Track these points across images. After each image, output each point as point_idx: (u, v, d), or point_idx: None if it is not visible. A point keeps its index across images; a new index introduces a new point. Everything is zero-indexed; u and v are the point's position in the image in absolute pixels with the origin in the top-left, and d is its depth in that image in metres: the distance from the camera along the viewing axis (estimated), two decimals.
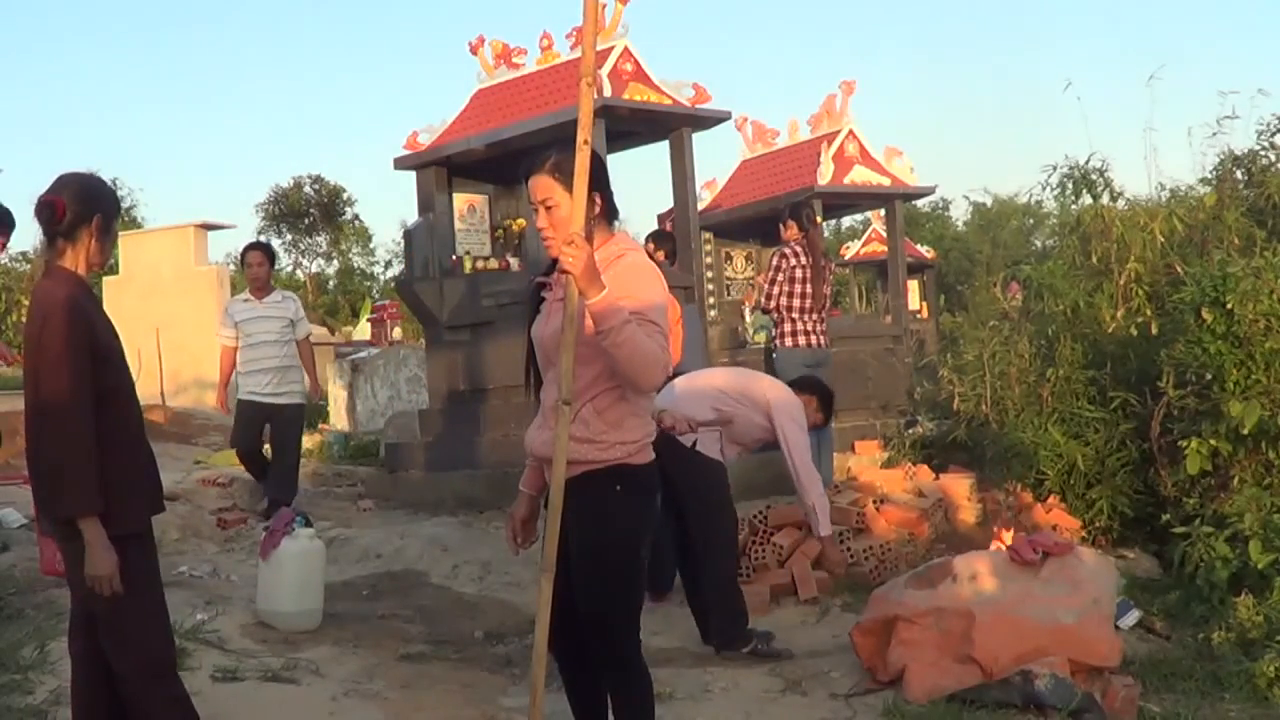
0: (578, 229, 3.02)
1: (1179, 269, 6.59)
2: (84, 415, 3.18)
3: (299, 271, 32.93)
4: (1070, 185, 7.40)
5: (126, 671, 3.33)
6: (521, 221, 9.77)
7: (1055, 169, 7.41)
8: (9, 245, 6.55)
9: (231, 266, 23.64)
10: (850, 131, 13.38)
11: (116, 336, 3.42)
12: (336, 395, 13.32)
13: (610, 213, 3.28)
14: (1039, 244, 29.77)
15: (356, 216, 33.41)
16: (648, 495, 3.30)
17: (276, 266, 29.44)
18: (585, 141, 3.03)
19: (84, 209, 3.35)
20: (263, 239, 8.77)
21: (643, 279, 3.15)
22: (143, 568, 3.37)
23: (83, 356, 3.20)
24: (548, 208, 3.19)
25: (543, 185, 3.19)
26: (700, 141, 9.35)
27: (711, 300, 12.76)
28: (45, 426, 3.22)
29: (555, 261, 3.17)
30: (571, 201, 3.11)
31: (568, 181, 3.12)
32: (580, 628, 3.30)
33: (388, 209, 65.35)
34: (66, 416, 3.18)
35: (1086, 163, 7.37)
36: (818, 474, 5.54)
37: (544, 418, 3.27)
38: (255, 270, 8.09)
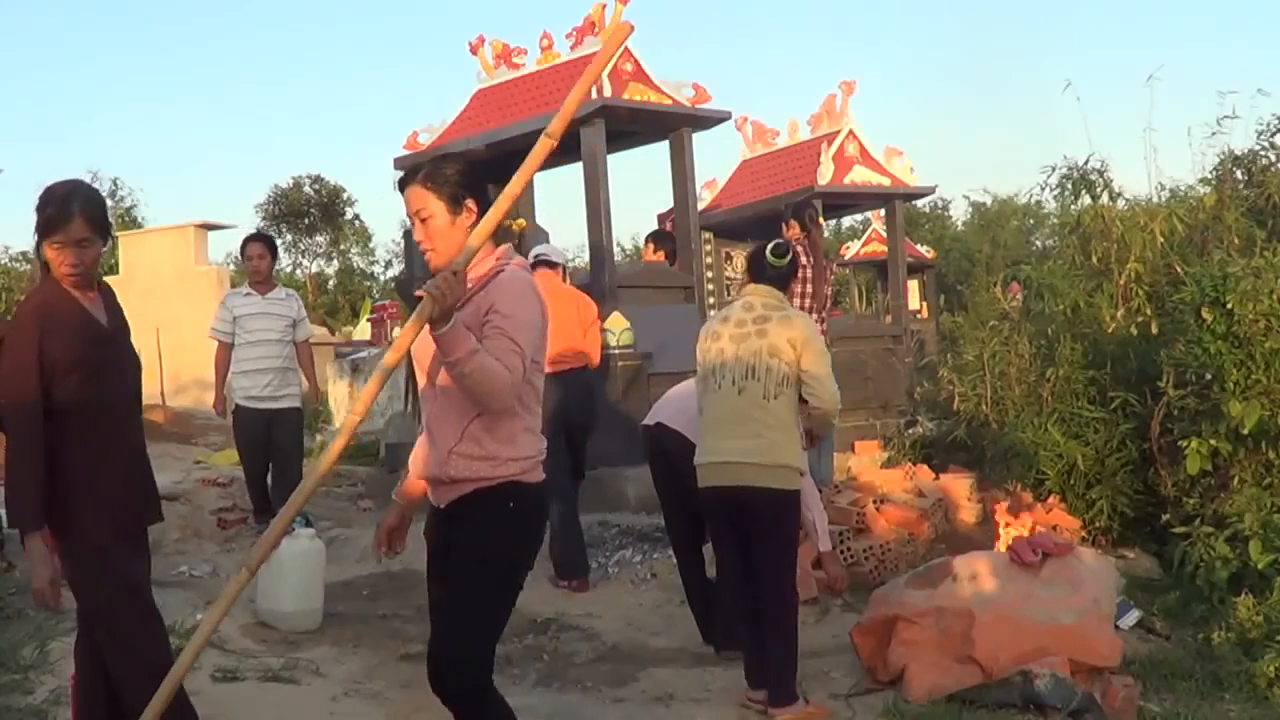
0: (470, 251, 2.95)
1: (1179, 269, 6.59)
2: (29, 431, 3.17)
3: (299, 271, 32.92)
4: (1070, 185, 7.40)
5: (123, 675, 3.33)
6: (522, 222, 9.71)
7: (1055, 169, 7.42)
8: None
9: (232, 266, 23.61)
10: (850, 131, 13.39)
11: (98, 345, 3.37)
12: (336, 395, 13.32)
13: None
14: (1039, 244, 29.76)
15: (357, 216, 33.43)
16: (538, 516, 3.21)
17: (277, 266, 29.36)
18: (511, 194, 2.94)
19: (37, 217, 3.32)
20: (263, 231, 8.23)
21: (512, 295, 3.06)
22: (123, 574, 3.36)
23: (27, 373, 3.18)
24: (422, 219, 3.12)
25: (416, 196, 3.12)
26: (700, 141, 9.37)
27: (711, 300, 12.76)
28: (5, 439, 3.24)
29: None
30: (446, 212, 3.10)
31: (440, 191, 3.10)
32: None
33: (388, 209, 65.26)
34: (12, 432, 3.19)
35: (1086, 163, 7.38)
36: (816, 489, 5.54)
37: (427, 435, 3.19)
38: (256, 263, 7.59)
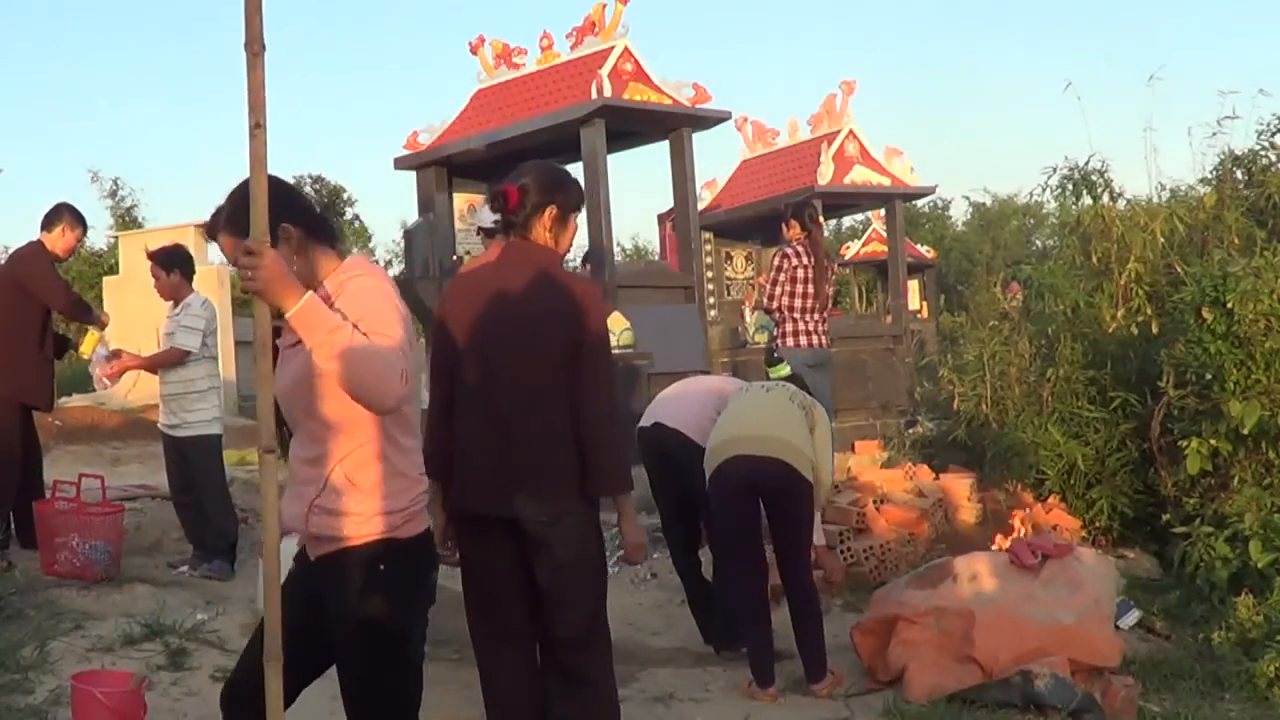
0: (260, 233, 2.41)
1: (1179, 269, 6.59)
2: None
3: None
4: (1070, 186, 7.40)
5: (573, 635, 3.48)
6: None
7: (1055, 170, 7.42)
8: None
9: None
10: (850, 131, 13.42)
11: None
12: None
13: (322, 235, 2.75)
14: (1039, 244, 29.76)
15: (356, 216, 33.45)
16: (417, 573, 2.74)
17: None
18: (258, 125, 2.37)
19: (541, 198, 3.66)
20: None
21: (371, 298, 2.62)
22: None
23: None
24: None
25: (229, 246, 2.70)
26: (700, 141, 9.38)
27: (711, 300, 12.77)
28: (600, 409, 3.48)
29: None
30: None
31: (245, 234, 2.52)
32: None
33: (388, 209, 65.27)
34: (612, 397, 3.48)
35: (1086, 163, 7.38)
36: None
37: (291, 485, 2.78)
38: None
